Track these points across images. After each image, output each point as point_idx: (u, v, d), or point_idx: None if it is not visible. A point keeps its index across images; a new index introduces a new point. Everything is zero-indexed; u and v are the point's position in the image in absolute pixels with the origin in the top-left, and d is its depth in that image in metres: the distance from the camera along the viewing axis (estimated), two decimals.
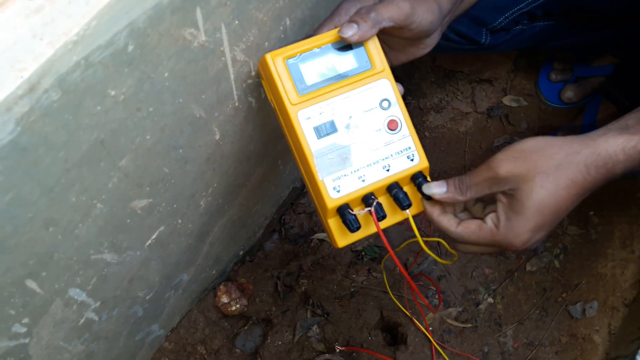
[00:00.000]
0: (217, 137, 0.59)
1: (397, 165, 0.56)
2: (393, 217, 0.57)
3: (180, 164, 0.56)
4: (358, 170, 0.55)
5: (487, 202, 0.55)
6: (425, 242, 0.56)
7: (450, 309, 0.92)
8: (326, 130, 0.54)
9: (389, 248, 0.54)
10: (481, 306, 0.93)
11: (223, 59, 0.50)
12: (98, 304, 0.58)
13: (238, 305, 0.89)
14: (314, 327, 0.89)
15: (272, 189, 0.88)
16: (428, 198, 0.55)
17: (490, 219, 0.52)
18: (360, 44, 0.55)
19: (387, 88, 0.56)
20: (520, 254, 0.97)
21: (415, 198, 0.57)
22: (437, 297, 0.93)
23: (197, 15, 0.44)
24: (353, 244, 0.96)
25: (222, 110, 0.56)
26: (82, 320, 0.58)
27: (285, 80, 0.53)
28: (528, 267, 0.95)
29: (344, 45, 0.55)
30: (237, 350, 0.89)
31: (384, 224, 0.56)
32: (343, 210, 0.54)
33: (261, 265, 0.96)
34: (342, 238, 0.57)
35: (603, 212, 0.97)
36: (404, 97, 0.57)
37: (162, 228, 0.61)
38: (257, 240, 0.96)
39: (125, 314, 0.67)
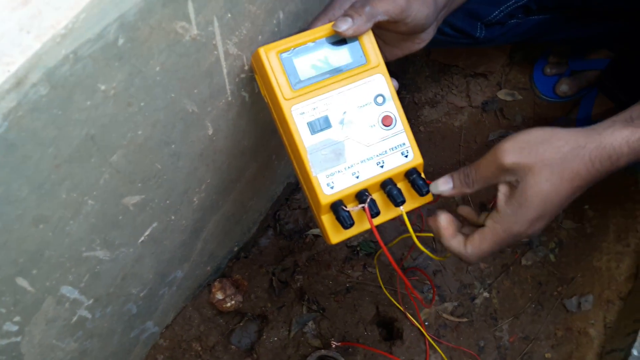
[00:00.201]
0: (210, 132, 0.58)
1: (392, 162, 0.56)
2: (387, 213, 0.57)
3: (173, 160, 0.55)
4: (352, 166, 0.55)
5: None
6: (420, 238, 0.56)
7: (446, 304, 0.92)
8: (320, 125, 0.54)
9: (383, 245, 0.53)
10: (477, 300, 0.93)
11: (215, 52, 0.50)
12: (91, 301, 0.58)
13: (233, 302, 0.89)
14: (310, 323, 0.89)
15: (266, 184, 0.88)
16: (425, 192, 0.55)
17: (488, 220, 0.52)
18: (354, 38, 0.54)
19: (381, 83, 0.55)
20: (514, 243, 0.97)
21: (410, 194, 0.57)
22: (431, 292, 0.93)
23: (188, 8, 0.43)
24: (348, 239, 0.97)
25: (215, 105, 0.56)
26: (75, 318, 0.57)
27: (279, 74, 0.52)
28: (523, 262, 0.95)
29: (339, 40, 0.54)
30: (232, 346, 0.89)
31: (377, 221, 0.56)
32: (337, 207, 0.54)
33: (256, 261, 0.96)
34: (336, 234, 0.57)
35: (598, 205, 0.97)
36: (398, 92, 0.57)
37: (155, 224, 0.60)
38: (251, 236, 0.95)
39: (119, 311, 0.66)
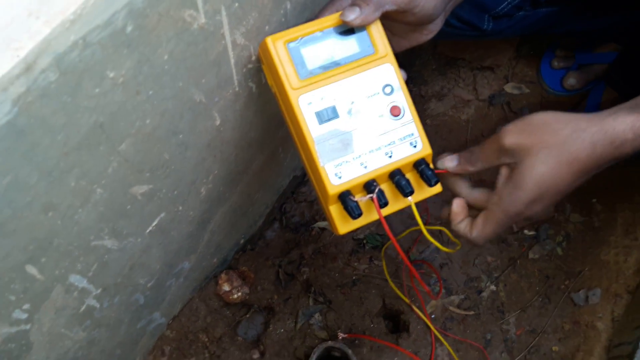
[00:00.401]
0: (218, 122, 0.58)
1: (400, 152, 0.55)
2: (395, 204, 0.57)
3: (181, 150, 0.55)
4: (360, 156, 0.54)
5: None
6: (428, 231, 0.55)
7: (452, 297, 0.92)
8: (328, 115, 0.54)
9: (391, 235, 0.53)
10: (483, 294, 0.93)
11: (223, 42, 0.50)
12: (99, 291, 0.58)
13: (240, 294, 0.89)
14: (316, 315, 0.89)
15: (272, 177, 0.88)
16: (437, 182, 0.56)
17: (490, 204, 0.53)
18: (362, 28, 0.54)
19: (390, 73, 0.55)
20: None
21: (418, 185, 0.57)
22: (438, 284, 0.93)
23: None
24: (354, 231, 0.97)
25: (222, 95, 0.56)
26: (83, 307, 0.58)
27: (286, 64, 0.52)
28: (530, 255, 0.95)
29: (347, 29, 0.54)
30: (239, 338, 0.89)
31: (386, 211, 0.55)
32: (344, 197, 0.54)
33: (262, 253, 0.96)
34: (343, 225, 0.56)
35: (606, 199, 0.96)
36: (405, 84, 0.57)
37: (162, 215, 0.60)
38: (258, 229, 0.95)
39: (126, 301, 0.66)
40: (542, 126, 0.49)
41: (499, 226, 0.53)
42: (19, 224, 0.40)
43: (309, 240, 0.97)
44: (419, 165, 0.56)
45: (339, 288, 0.92)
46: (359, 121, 0.54)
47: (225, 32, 0.49)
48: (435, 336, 0.88)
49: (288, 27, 0.54)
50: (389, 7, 0.53)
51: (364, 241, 0.97)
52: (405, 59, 1.10)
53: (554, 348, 0.88)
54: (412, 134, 0.56)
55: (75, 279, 0.52)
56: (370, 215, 0.56)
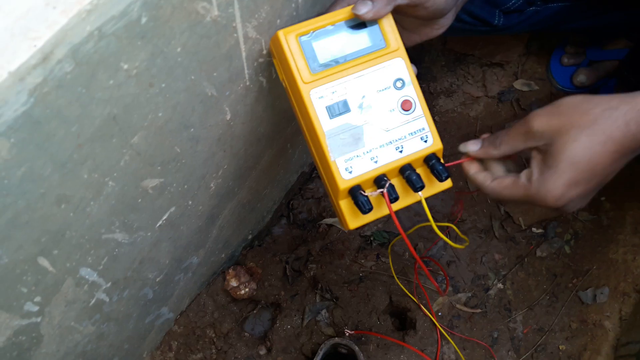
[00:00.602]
0: (228, 117, 0.58)
1: (411, 147, 0.55)
2: (406, 199, 0.56)
3: (192, 144, 0.55)
4: (371, 151, 0.54)
5: (524, 163, 0.54)
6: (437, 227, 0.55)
7: (459, 295, 0.92)
8: (339, 109, 0.53)
9: (401, 230, 0.53)
10: (491, 292, 0.92)
11: (235, 35, 0.50)
12: (109, 284, 0.58)
13: (247, 289, 0.89)
14: (323, 312, 0.89)
15: (281, 173, 0.88)
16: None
17: (524, 174, 0.52)
18: (374, 21, 0.54)
19: (401, 67, 0.55)
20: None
21: (428, 180, 0.57)
22: (445, 282, 0.92)
23: None
24: (362, 228, 0.96)
25: (233, 90, 0.55)
26: (93, 301, 0.58)
27: (298, 57, 0.52)
28: (538, 253, 0.95)
29: (358, 23, 0.54)
30: (246, 333, 0.90)
31: (396, 206, 0.55)
32: (355, 192, 0.54)
33: (270, 249, 0.96)
34: (353, 220, 0.56)
35: (614, 197, 0.96)
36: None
37: (173, 209, 0.60)
38: (265, 225, 0.95)
39: (135, 295, 0.66)
40: (572, 107, 0.48)
41: (521, 199, 0.52)
42: (33, 216, 0.41)
43: (316, 237, 0.97)
44: (430, 160, 0.56)
45: (346, 285, 0.92)
46: (370, 115, 0.54)
47: (237, 25, 0.49)
48: (442, 334, 0.87)
49: (299, 21, 0.53)
50: (401, 1, 0.52)
51: (371, 238, 0.97)
52: (414, 55, 1.09)
53: (561, 347, 0.88)
54: (423, 129, 0.55)
55: (86, 272, 0.53)
56: (380, 210, 0.56)
